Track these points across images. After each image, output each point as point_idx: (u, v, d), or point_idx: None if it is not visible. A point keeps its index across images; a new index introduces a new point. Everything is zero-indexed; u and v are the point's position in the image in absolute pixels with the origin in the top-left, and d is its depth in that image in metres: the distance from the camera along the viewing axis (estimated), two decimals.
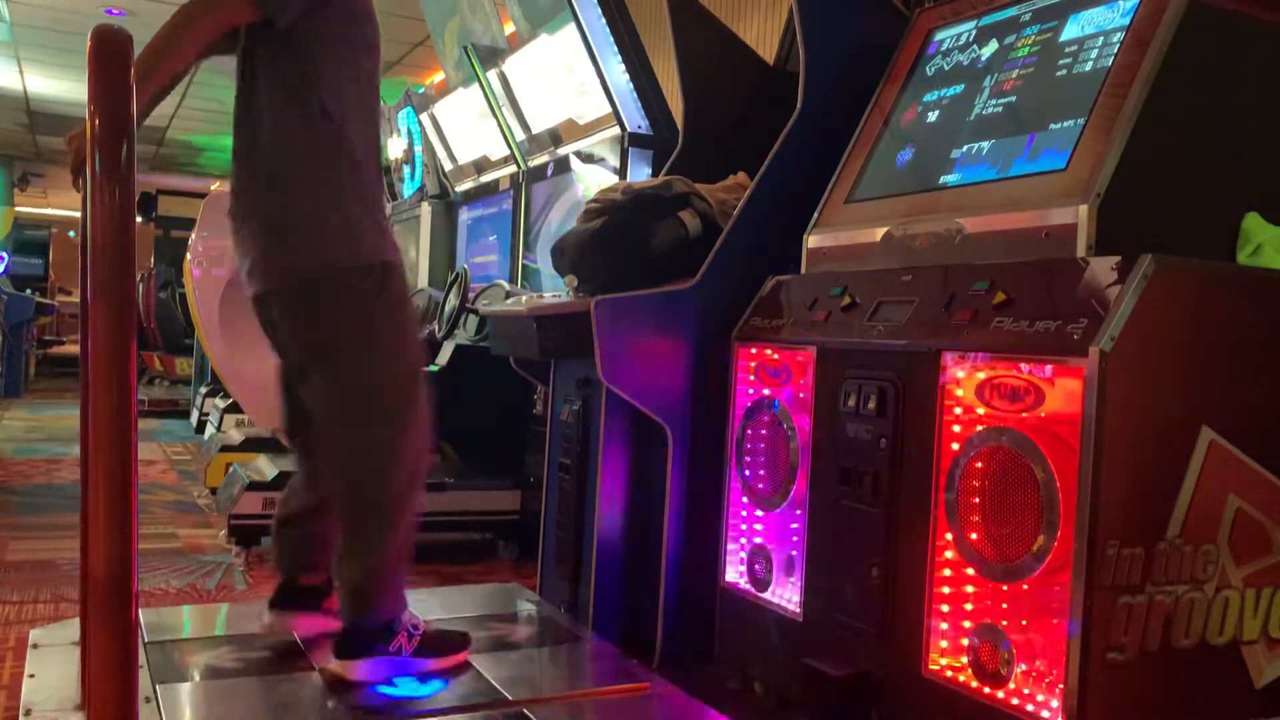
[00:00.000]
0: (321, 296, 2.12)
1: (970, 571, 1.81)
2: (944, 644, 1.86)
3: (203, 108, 10.50)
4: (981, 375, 1.82)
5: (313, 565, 2.35)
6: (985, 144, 2.15)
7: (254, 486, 3.88)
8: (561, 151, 4.69)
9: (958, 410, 1.86)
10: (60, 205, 18.97)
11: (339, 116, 2.12)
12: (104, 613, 1.28)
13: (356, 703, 2.05)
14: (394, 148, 6.91)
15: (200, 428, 7.34)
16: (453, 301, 4.57)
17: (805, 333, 2.25)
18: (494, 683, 2.15)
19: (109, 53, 1.31)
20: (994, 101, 2.21)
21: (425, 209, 6.30)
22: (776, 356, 2.34)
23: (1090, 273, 1.71)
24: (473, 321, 4.41)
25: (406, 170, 6.77)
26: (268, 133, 2.13)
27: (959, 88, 2.33)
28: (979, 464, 1.80)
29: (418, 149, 6.53)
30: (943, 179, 2.21)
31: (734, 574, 2.43)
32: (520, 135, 5.05)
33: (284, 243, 2.12)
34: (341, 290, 2.11)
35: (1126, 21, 1.98)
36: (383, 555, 2.16)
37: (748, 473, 2.39)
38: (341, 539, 2.20)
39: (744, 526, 2.42)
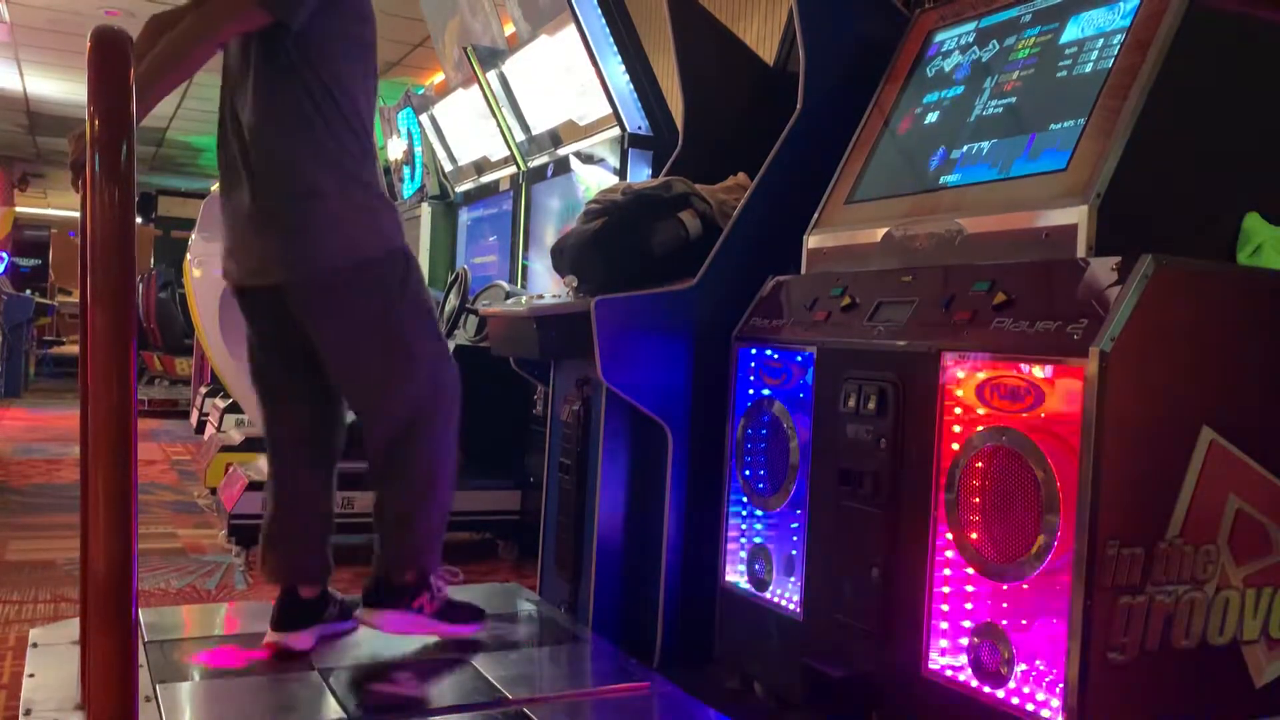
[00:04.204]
0: (351, 288, 2.17)
1: (970, 571, 1.81)
2: (944, 644, 1.86)
3: (203, 108, 10.49)
4: (981, 375, 1.82)
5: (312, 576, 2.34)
6: (985, 144, 2.15)
7: (254, 486, 3.87)
8: (561, 152, 4.68)
9: (958, 410, 1.86)
10: (60, 205, 18.97)
11: (352, 113, 2.17)
12: (104, 613, 1.28)
13: (356, 702, 2.05)
14: (394, 148, 6.90)
15: (200, 428, 7.34)
16: (453, 302, 4.57)
17: (805, 333, 2.25)
18: (494, 682, 2.15)
19: (109, 53, 1.31)
20: (994, 102, 2.21)
21: (425, 209, 6.30)
22: (776, 356, 2.34)
23: (1090, 273, 1.71)
24: (473, 322, 4.40)
25: (406, 171, 6.76)
26: (277, 131, 2.13)
27: (959, 88, 2.33)
28: (979, 464, 1.80)
29: (418, 149, 6.52)
30: (943, 179, 2.21)
31: (734, 574, 2.43)
32: (520, 136, 5.05)
33: (307, 236, 2.14)
34: (370, 280, 2.18)
35: (1127, 23, 1.98)
36: (424, 522, 2.32)
37: (748, 473, 2.39)
38: (388, 505, 2.31)
39: (744, 526, 2.42)
